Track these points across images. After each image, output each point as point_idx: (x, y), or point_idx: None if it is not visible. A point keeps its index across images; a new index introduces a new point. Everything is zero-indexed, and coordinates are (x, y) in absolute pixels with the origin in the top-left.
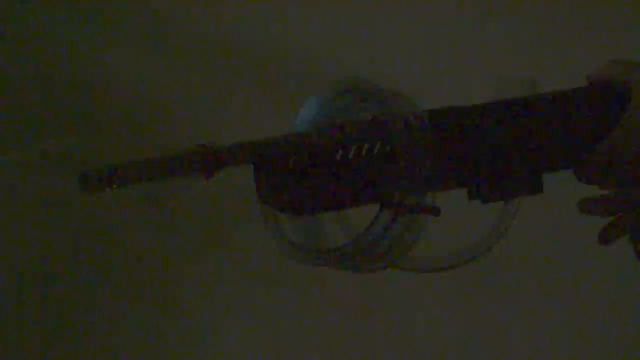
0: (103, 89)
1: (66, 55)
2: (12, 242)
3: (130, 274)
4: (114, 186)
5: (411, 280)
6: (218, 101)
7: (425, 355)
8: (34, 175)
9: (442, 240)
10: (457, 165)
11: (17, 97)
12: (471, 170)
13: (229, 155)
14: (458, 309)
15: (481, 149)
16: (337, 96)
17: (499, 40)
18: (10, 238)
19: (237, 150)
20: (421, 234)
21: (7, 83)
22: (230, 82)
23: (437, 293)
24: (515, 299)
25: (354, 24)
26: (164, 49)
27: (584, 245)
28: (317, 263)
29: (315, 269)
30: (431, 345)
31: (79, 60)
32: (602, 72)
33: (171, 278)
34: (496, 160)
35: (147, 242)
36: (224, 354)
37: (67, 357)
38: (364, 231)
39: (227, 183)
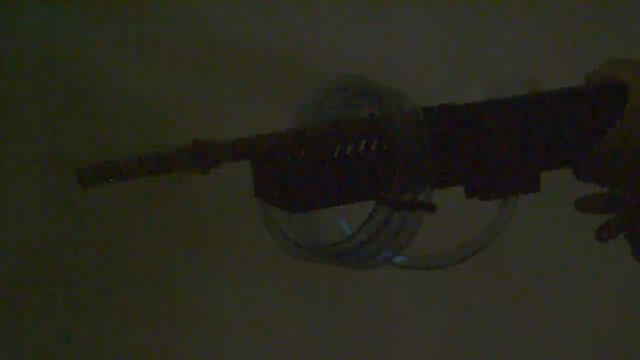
0: (101, 87)
1: (64, 53)
2: (12, 241)
3: (129, 273)
4: (111, 181)
5: (407, 278)
6: (216, 99)
7: (421, 355)
8: (33, 174)
9: (438, 238)
10: (454, 162)
11: (16, 96)
12: (469, 168)
13: (225, 151)
14: (453, 307)
15: (479, 146)
16: (334, 93)
17: (499, 39)
18: (10, 238)
19: (234, 146)
20: (417, 231)
21: (6, 82)
22: (228, 80)
23: (433, 291)
24: (512, 298)
25: (353, 24)
26: (162, 47)
27: (581, 243)
28: (314, 260)
29: (312, 266)
30: (427, 344)
31: (78, 59)
32: (601, 71)
33: (171, 277)
34: (494, 158)
35: (147, 240)
36: (224, 349)
37: (67, 357)
38: (360, 228)
39: (227, 180)
